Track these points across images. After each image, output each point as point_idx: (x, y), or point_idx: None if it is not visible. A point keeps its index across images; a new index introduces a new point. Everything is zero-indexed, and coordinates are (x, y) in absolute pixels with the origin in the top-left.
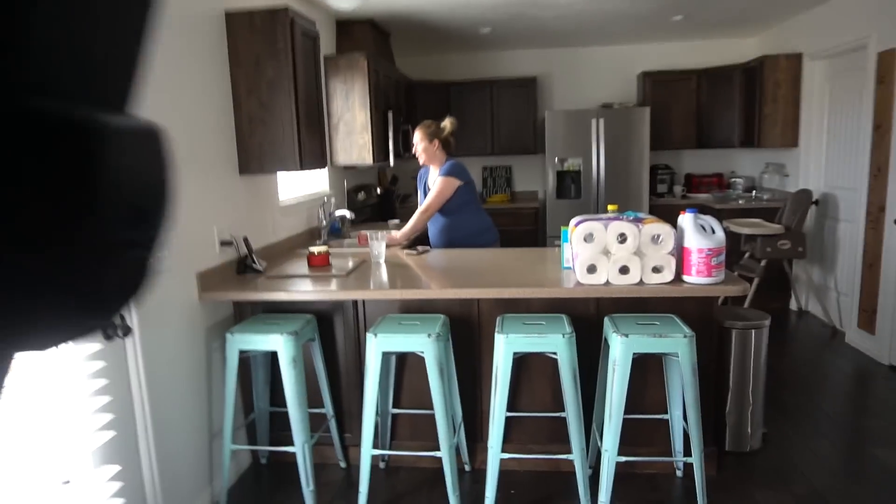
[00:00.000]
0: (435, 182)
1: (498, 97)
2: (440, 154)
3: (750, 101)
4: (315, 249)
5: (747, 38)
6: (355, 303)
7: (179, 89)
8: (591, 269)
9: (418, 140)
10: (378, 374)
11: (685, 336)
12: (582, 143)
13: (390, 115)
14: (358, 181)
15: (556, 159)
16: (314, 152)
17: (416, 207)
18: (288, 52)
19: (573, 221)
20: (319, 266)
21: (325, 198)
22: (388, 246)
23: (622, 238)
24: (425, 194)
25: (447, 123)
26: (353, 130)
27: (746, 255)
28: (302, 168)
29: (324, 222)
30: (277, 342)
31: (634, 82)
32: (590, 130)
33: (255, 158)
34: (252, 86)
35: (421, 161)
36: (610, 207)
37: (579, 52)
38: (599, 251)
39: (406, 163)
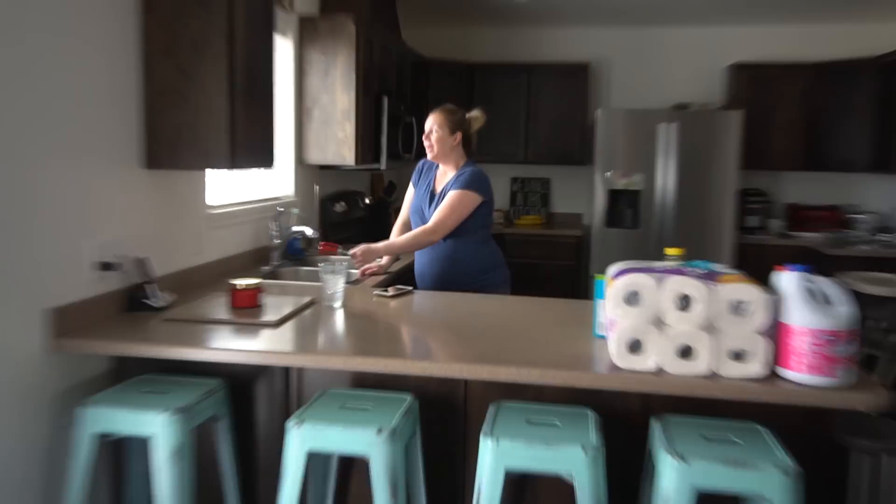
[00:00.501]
0: (449, 192)
1: (537, 87)
2: (458, 152)
3: (884, 109)
4: (239, 283)
5: (886, 23)
6: (287, 369)
7: (47, 34)
8: (635, 346)
9: (436, 126)
10: (299, 481)
11: (784, 471)
12: (645, 154)
13: (385, 101)
14: (339, 186)
15: (610, 174)
16: (256, 145)
17: None
18: None
19: (612, 269)
20: (244, 307)
21: (282, 208)
22: (364, 271)
23: (685, 303)
24: (430, 200)
25: (477, 115)
26: (330, 119)
27: (871, 324)
28: (234, 166)
29: (276, 240)
30: (153, 423)
31: (721, 77)
32: (656, 138)
33: (168, 147)
34: (169, 43)
35: (430, 154)
36: (670, 252)
37: (648, 33)
38: (649, 320)
39: (407, 167)
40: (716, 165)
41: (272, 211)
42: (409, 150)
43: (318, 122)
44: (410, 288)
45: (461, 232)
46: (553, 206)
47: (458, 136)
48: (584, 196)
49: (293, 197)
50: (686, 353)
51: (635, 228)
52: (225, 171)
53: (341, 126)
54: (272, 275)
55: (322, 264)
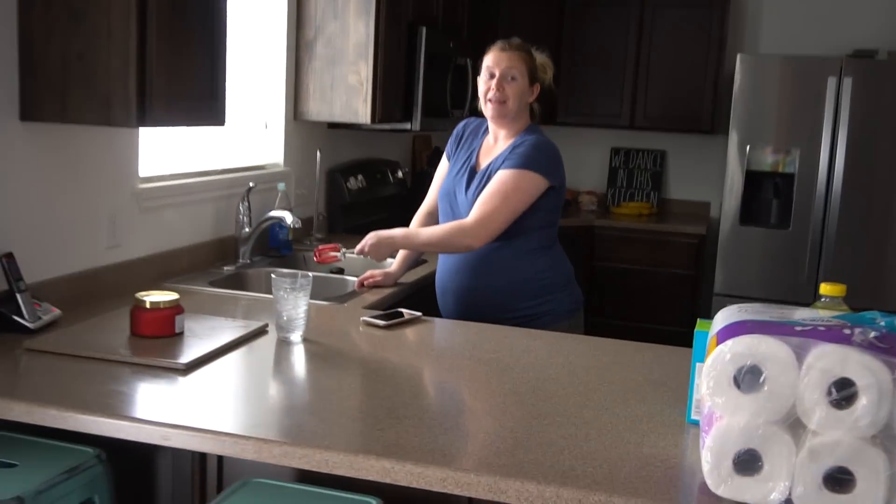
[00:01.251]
0: (499, 172)
1: (652, 22)
2: (524, 113)
3: None
4: (149, 298)
5: None
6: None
7: None
8: (749, 462)
9: (516, 70)
10: None
11: None
12: (805, 120)
13: (423, 33)
14: (357, 154)
15: (750, 148)
16: (187, 92)
17: None
18: None
19: (719, 319)
20: (152, 335)
21: (253, 182)
22: (364, 280)
23: (845, 393)
24: (469, 180)
25: (546, 63)
26: (339, 56)
27: None
28: (146, 121)
29: (245, 228)
30: None
31: None
32: (823, 99)
33: (52, 91)
34: None
35: (496, 112)
36: (828, 291)
37: None
38: (776, 419)
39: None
40: None
41: (241, 186)
42: (460, 105)
43: (322, 61)
44: (418, 314)
45: (513, 233)
46: (668, 191)
47: (537, 88)
48: (712, 178)
49: (282, 167)
50: (840, 482)
51: (782, 229)
52: (139, 128)
53: (354, 67)
54: (233, 280)
55: (275, 275)
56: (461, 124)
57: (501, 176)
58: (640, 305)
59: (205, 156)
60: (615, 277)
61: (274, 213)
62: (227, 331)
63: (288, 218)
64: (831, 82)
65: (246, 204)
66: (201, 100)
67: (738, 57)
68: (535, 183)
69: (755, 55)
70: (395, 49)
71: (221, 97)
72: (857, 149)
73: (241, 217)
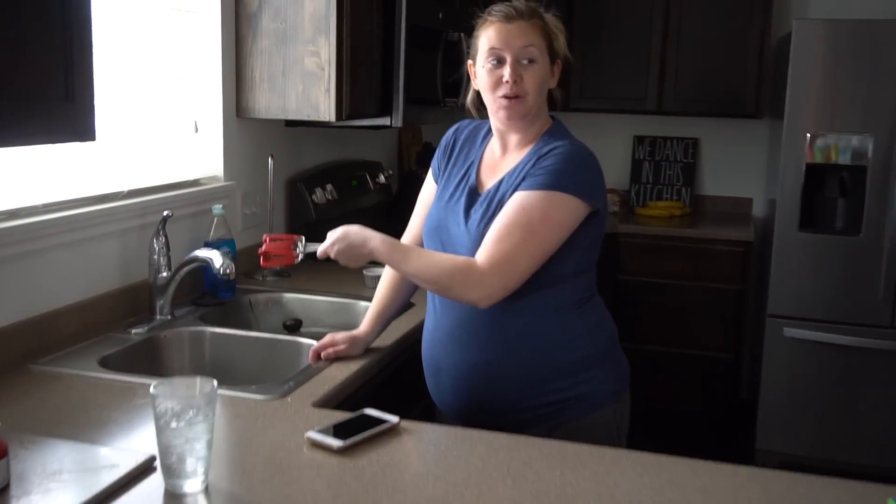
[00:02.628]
0: (518, 194)
1: None
2: (545, 106)
3: None
4: None
5: None
6: None
7: None
8: None
9: (527, 40)
10: None
11: None
12: (881, 101)
13: (404, 0)
14: (326, 156)
15: (810, 136)
16: (24, 94)
17: None
18: None
19: None
20: None
21: (169, 211)
22: (320, 351)
23: None
24: (468, 205)
25: (557, 27)
26: (293, 33)
27: None
28: None
29: (162, 272)
30: None
31: None
32: None
33: None
34: None
35: (503, 111)
36: None
37: None
38: None
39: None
40: None
41: (154, 213)
42: (454, 92)
43: (269, 39)
44: (394, 420)
45: (538, 282)
46: (702, 186)
47: (559, 68)
48: (755, 169)
49: (221, 181)
50: None
51: (851, 235)
52: None
53: (312, 46)
54: (140, 352)
55: (155, 388)
56: (450, 131)
57: (522, 200)
58: (675, 327)
59: (101, 174)
60: (644, 294)
61: (199, 254)
62: (84, 477)
63: (217, 260)
64: None
65: (161, 239)
66: (47, 106)
67: (794, 23)
68: (572, 209)
69: (816, 20)
70: (367, 21)
71: (86, 100)
72: None
73: (155, 257)
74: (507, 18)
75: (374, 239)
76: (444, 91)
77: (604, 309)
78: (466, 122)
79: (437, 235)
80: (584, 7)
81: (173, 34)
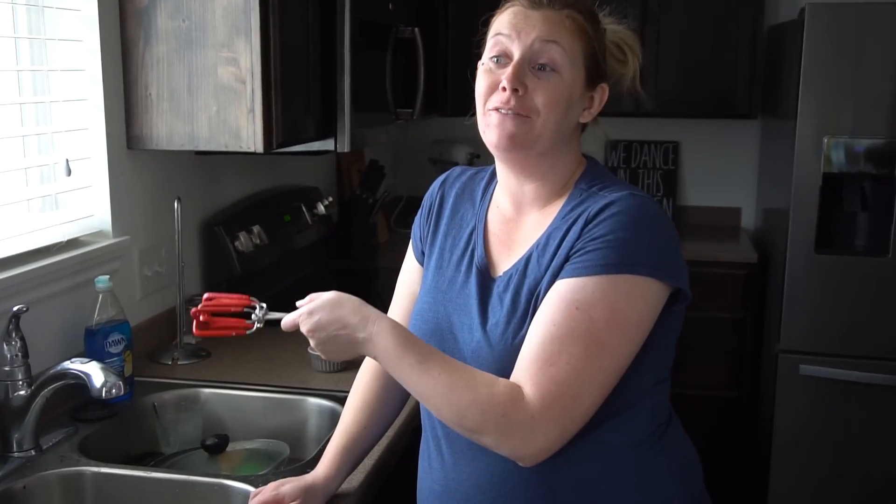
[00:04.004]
0: (567, 275)
1: None
2: (572, 141)
3: None
4: None
5: None
6: None
7: None
8: None
9: (550, 33)
10: None
11: None
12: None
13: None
14: (253, 185)
15: (828, 140)
16: None
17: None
18: None
19: None
20: None
21: (22, 306)
22: None
23: None
24: (484, 298)
25: (629, 42)
26: (201, 34)
27: None
28: None
29: (20, 391)
30: None
31: None
32: None
33: None
34: None
35: (494, 133)
36: None
37: None
38: None
39: (405, 138)
40: None
41: (9, 301)
42: (407, 102)
43: (170, 43)
44: None
45: (608, 411)
46: (684, 196)
47: (604, 93)
48: (741, 175)
49: (110, 238)
50: None
51: (877, 256)
52: None
53: (228, 50)
54: None
55: None
56: (435, 186)
57: (575, 293)
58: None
59: None
60: None
61: (71, 367)
62: None
63: (96, 377)
64: None
65: (15, 343)
66: None
67: (807, 8)
68: (650, 297)
69: (831, 4)
70: (299, 15)
71: None
72: None
73: (5, 369)
74: (533, 3)
75: (379, 321)
76: (395, 100)
77: (685, 436)
78: (458, 169)
79: (436, 343)
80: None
81: (31, 40)
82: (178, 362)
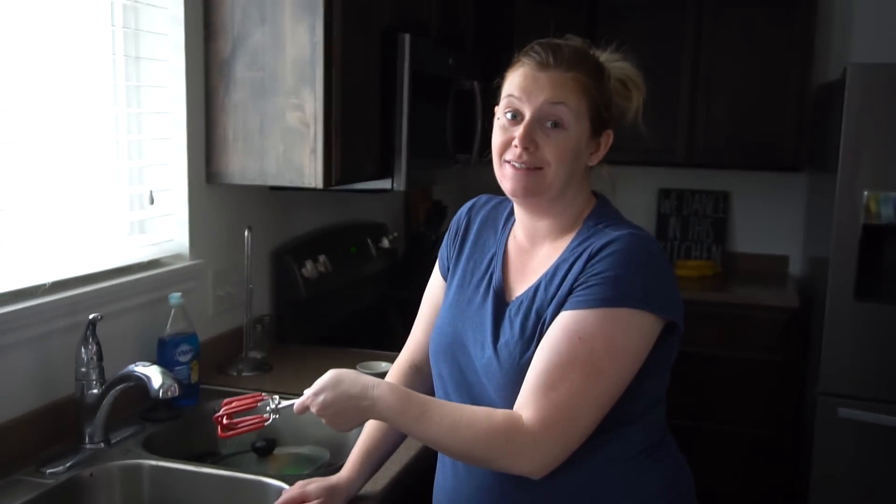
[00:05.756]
0: (570, 307)
1: (712, 27)
2: (583, 184)
3: None
4: None
5: None
6: None
7: None
8: None
9: (557, 95)
10: None
11: None
12: None
13: (407, 44)
14: (323, 219)
15: (867, 193)
16: None
17: None
18: None
19: None
20: None
21: (98, 314)
22: None
23: None
24: (496, 319)
25: (632, 79)
26: (272, 83)
27: None
28: None
29: (93, 389)
30: None
31: None
32: None
33: None
34: None
35: (510, 182)
36: None
37: None
38: None
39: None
40: None
41: (83, 312)
42: (466, 148)
43: (245, 90)
44: None
45: (604, 428)
46: (734, 243)
47: (609, 139)
48: (790, 225)
49: (187, 260)
50: None
51: None
52: None
53: (295, 98)
54: (60, 494)
55: None
56: (463, 210)
57: (576, 324)
58: (712, 401)
59: (23, 262)
60: (676, 365)
61: (136, 370)
62: None
63: (155, 379)
64: None
65: (91, 347)
66: None
67: (849, 68)
68: (644, 329)
69: (872, 65)
70: (362, 67)
71: None
72: None
73: (82, 370)
74: (541, 65)
75: (378, 386)
76: (454, 146)
77: (678, 453)
78: (484, 197)
79: (451, 357)
80: (604, 47)
81: (125, 85)
82: (243, 374)
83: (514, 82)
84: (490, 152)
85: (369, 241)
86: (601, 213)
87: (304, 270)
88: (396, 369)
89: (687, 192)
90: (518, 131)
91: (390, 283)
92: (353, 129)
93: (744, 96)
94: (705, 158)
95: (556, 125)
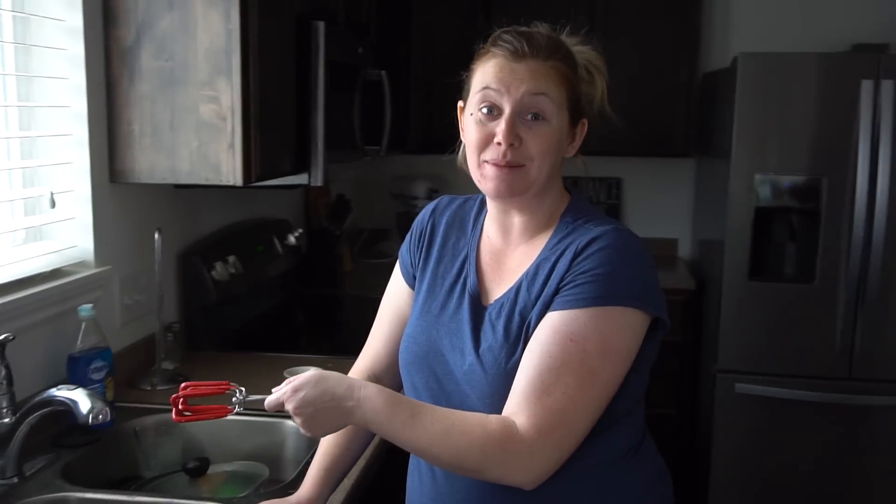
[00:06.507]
0: (557, 307)
1: (603, 18)
2: (557, 177)
3: None
4: None
5: None
6: None
7: None
8: None
9: (539, 86)
10: None
11: None
12: (834, 139)
13: (322, 32)
14: (227, 217)
15: (759, 177)
16: None
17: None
18: None
19: None
20: None
21: (6, 334)
22: None
23: None
24: (475, 324)
25: (595, 65)
26: (183, 73)
27: None
28: None
29: (4, 419)
30: None
31: None
32: (856, 109)
33: None
34: None
35: (492, 183)
36: None
37: None
38: None
39: (371, 172)
40: None
41: None
42: (375, 140)
43: (152, 82)
44: None
45: (592, 429)
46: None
47: (584, 128)
48: (680, 210)
49: (93, 268)
50: None
51: (804, 283)
52: None
53: (209, 89)
54: None
55: None
56: (426, 212)
57: (568, 325)
58: None
59: None
60: None
61: (57, 394)
62: None
63: (82, 403)
64: (865, 86)
65: (1, 371)
66: None
67: (740, 57)
68: (635, 327)
69: (761, 54)
70: (278, 56)
71: None
72: None
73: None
74: (516, 55)
75: (364, 387)
76: (363, 138)
77: (657, 453)
78: (446, 198)
79: (426, 367)
80: (559, 31)
81: (18, 77)
82: (157, 387)
83: (488, 74)
84: (455, 148)
85: (275, 238)
86: (577, 208)
87: (213, 273)
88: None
89: (581, 179)
90: (500, 127)
91: (297, 281)
92: (271, 122)
93: (634, 87)
94: (600, 146)
95: (536, 117)
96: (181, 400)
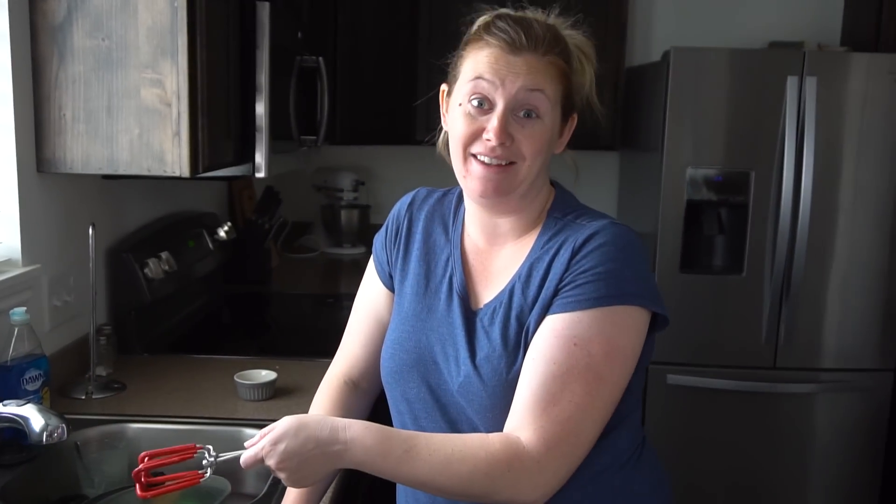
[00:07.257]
0: (558, 310)
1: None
2: (542, 173)
3: None
4: None
5: None
6: None
7: None
8: None
9: (535, 82)
10: None
11: None
12: (760, 133)
13: (267, 14)
14: (154, 210)
15: (690, 171)
16: None
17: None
18: None
19: None
20: None
21: None
22: None
23: None
24: (469, 330)
25: (585, 51)
26: (122, 54)
27: None
28: None
29: None
30: None
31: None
32: (782, 104)
33: None
34: None
35: (477, 183)
36: None
37: None
38: None
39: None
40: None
41: None
42: (311, 129)
43: (87, 62)
44: None
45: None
46: None
47: (574, 122)
48: (606, 203)
49: (20, 267)
50: None
51: (733, 274)
52: None
53: (150, 71)
54: None
55: None
56: (402, 206)
57: (572, 329)
58: None
59: None
60: None
61: (4, 409)
62: None
63: (35, 421)
64: (791, 83)
65: None
66: None
67: (672, 51)
68: (639, 326)
69: (693, 49)
70: (224, 37)
71: None
72: (828, 169)
73: None
74: (513, 46)
75: (349, 427)
76: (299, 128)
77: (653, 452)
78: (423, 191)
79: (420, 377)
80: (430, 37)
81: None
82: (93, 396)
83: (481, 63)
84: (433, 136)
85: (205, 233)
86: (563, 203)
87: (147, 270)
88: (328, 386)
89: None
90: (491, 123)
91: (225, 278)
92: (216, 110)
93: None
94: None
95: (529, 115)
96: (143, 473)
